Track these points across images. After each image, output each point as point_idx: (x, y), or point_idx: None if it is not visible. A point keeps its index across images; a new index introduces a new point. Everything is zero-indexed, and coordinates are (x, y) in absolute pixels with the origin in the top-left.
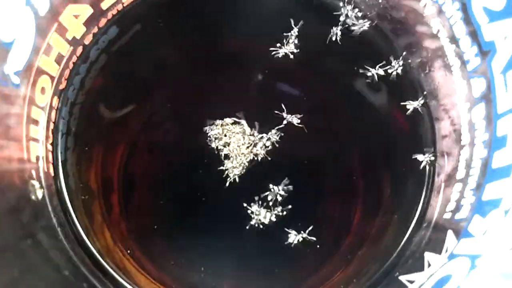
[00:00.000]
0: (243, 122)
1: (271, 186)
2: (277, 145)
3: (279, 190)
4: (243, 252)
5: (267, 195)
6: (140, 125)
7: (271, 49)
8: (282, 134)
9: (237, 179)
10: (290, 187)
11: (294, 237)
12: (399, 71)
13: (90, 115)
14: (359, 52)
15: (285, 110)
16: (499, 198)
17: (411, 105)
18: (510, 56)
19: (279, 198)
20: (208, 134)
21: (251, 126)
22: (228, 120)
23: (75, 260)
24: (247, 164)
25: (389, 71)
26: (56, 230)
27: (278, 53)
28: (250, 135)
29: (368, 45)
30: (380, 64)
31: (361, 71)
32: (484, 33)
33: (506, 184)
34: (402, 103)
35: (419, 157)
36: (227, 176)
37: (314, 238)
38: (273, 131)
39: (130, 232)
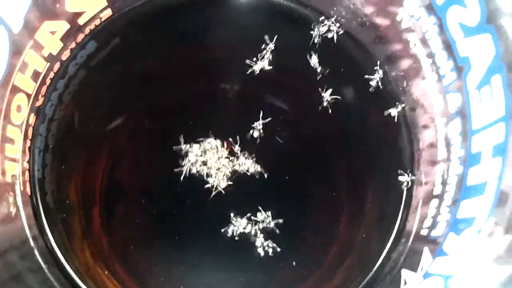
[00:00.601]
0: (213, 140)
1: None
2: (255, 159)
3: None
4: (227, 268)
5: (251, 213)
6: (120, 139)
7: (248, 62)
8: (261, 148)
9: (222, 191)
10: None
11: (260, 243)
12: (378, 84)
13: (68, 131)
14: (337, 65)
15: (260, 125)
16: (473, 216)
17: (390, 117)
18: (485, 72)
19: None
20: (183, 163)
21: (233, 141)
22: (208, 140)
23: (52, 281)
24: (228, 177)
25: (371, 83)
26: (32, 250)
27: (253, 70)
28: (227, 149)
29: (347, 58)
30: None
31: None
32: (459, 48)
33: (480, 202)
34: (381, 115)
35: (400, 178)
36: (210, 191)
37: (276, 247)
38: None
39: (111, 247)
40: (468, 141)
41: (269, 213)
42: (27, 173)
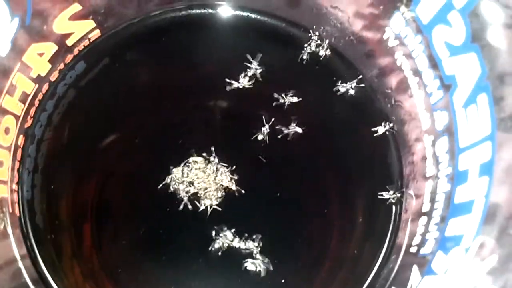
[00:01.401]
0: (199, 158)
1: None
2: (243, 176)
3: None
4: (217, 286)
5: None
6: (111, 158)
7: (227, 80)
8: (250, 165)
9: (216, 208)
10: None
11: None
12: (364, 100)
13: (58, 151)
14: (325, 82)
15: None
16: (461, 235)
17: (378, 134)
18: (471, 91)
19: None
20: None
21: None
22: (194, 159)
23: None
24: (218, 195)
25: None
26: (19, 270)
27: (233, 87)
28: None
29: (334, 75)
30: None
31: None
32: (445, 67)
33: (467, 220)
34: (370, 132)
35: (385, 194)
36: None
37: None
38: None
39: (102, 266)
40: (455, 159)
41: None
42: (15, 195)
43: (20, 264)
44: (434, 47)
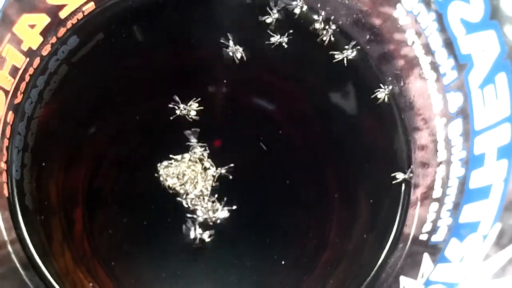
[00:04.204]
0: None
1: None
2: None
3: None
4: (212, 275)
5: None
6: (104, 138)
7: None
8: (251, 151)
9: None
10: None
11: None
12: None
13: (49, 130)
14: (333, 63)
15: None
16: (477, 221)
17: (385, 119)
18: (488, 71)
19: None
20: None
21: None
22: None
23: (29, 286)
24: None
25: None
26: (9, 253)
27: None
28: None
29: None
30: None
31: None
32: (461, 46)
33: (484, 206)
34: (376, 116)
35: (398, 175)
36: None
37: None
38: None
39: (94, 251)
40: (470, 142)
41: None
42: (4, 174)
43: (10, 248)
44: (449, 25)
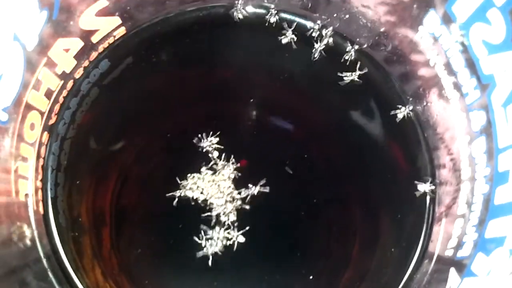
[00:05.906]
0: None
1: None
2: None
3: None
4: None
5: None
6: (132, 158)
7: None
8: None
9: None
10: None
11: None
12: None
13: (81, 149)
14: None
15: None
16: (503, 236)
17: (409, 138)
18: (511, 90)
19: None
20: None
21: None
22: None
23: None
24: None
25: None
26: (46, 270)
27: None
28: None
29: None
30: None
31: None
32: (483, 66)
33: (510, 221)
34: (400, 137)
35: (420, 186)
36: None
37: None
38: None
39: (121, 267)
40: (494, 159)
41: None
42: (40, 192)
43: (45, 263)
44: (471, 46)
